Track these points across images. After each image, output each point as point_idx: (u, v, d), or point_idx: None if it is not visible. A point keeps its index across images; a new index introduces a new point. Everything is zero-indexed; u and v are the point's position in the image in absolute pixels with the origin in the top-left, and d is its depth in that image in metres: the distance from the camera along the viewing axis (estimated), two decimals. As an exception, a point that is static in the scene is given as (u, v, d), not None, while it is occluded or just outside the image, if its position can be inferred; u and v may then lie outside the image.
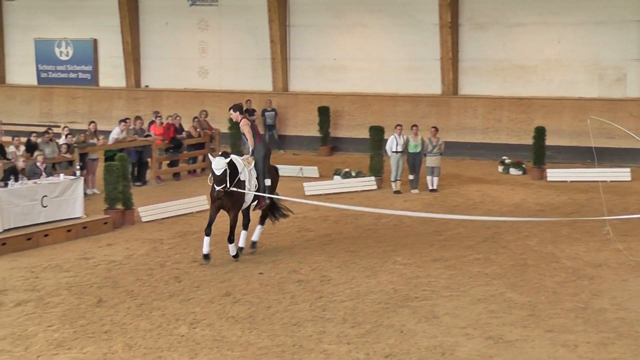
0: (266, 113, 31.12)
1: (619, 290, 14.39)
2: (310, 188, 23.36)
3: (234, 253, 16.22)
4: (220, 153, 15.87)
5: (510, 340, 12.01)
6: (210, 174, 15.72)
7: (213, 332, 12.38)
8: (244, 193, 15.93)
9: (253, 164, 16.37)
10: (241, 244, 16.76)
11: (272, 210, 17.22)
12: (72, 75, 36.05)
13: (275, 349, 11.67)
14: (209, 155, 16.07)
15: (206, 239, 15.86)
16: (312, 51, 32.36)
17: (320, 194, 23.12)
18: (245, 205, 16.31)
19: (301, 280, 15.05)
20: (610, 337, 12.12)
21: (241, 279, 15.15)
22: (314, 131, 31.26)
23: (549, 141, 25.73)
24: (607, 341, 11.95)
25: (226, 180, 15.50)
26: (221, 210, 16.14)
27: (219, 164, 15.39)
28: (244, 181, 15.95)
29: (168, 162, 26.06)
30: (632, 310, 13.32)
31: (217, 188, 15.39)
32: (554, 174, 25.21)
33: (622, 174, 24.28)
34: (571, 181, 24.76)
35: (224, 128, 27.62)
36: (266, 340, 12.04)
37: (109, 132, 24.76)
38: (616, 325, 12.63)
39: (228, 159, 15.49)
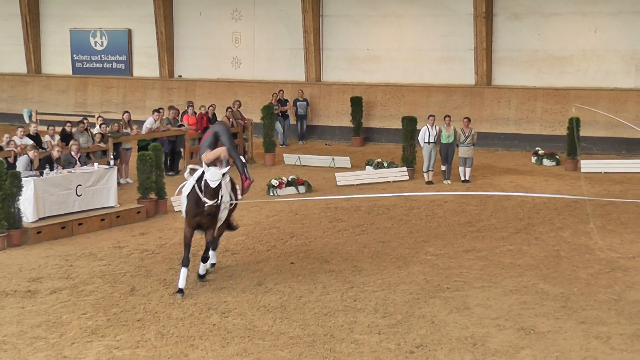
0: (298, 103, 31.15)
1: (653, 282, 14.26)
2: (342, 178, 23.36)
3: (203, 272, 14.35)
4: (190, 167, 14.48)
5: (542, 331, 11.95)
6: (187, 185, 14.12)
7: (244, 321, 12.44)
8: (220, 210, 13.98)
9: (228, 178, 14.24)
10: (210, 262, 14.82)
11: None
12: (107, 65, 36.30)
13: (306, 339, 11.70)
14: (189, 167, 14.54)
15: (184, 271, 13.75)
16: (345, 41, 32.33)
17: (352, 184, 23.14)
18: (219, 223, 14.41)
19: (333, 271, 15.07)
20: (643, 329, 12.04)
21: (273, 269, 15.20)
22: (346, 121, 31.26)
23: (584, 132, 25.53)
24: (641, 333, 11.88)
25: (219, 194, 13.68)
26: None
27: (215, 175, 13.48)
28: (223, 196, 13.93)
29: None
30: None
31: (209, 203, 13.43)
32: (588, 165, 25.02)
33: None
34: (605, 172, 24.57)
35: (257, 118, 27.68)
36: (297, 329, 12.07)
37: (143, 122, 24.93)
38: (650, 317, 12.55)
39: (224, 170, 13.70)
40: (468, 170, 23.51)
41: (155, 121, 24.46)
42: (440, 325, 12.23)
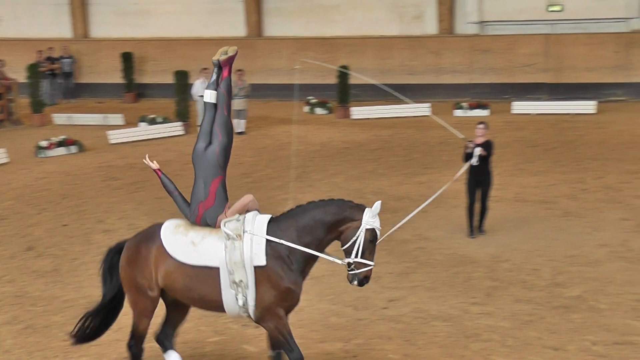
0: (63, 60, 30.04)
1: (419, 220, 14.85)
2: (115, 136, 22.84)
3: None
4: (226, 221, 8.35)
5: (317, 276, 12.18)
6: (257, 250, 8.20)
7: (14, 288, 11.96)
8: None
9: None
10: None
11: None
12: None
13: (81, 301, 11.39)
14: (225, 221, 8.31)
15: None
16: (112, -5, 31.50)
17: (126, 142, 22.68)
18: None
19: (108, 230, 14.75)
20: (411, 266, 12.57)
21: (44, 232, 14.69)
22: (118, 78, 30.53)
23: (353, 80, 26.14)
24: (409, 270, 12.39)
25: None
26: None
27: (377, 220, 8.33)
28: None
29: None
30: (432, 239, 13.86)
31: (371, 265, 8.27)
32: (358, 112, 25.76)
33: (423, 109, 24.98)
34: (376, 118, 25.39)
35: (22, 78, 26.48)
36: (71, 292, 11.74)
37: None
38: (417, 254, 13.11)
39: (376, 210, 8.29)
40: (243, 122, 23.60)
41: None
42: (217, 277, 12.24)
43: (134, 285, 8.46)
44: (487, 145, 13.63)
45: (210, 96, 9.00)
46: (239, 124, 23.50)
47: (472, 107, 25.85)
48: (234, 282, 8.12)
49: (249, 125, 24.01)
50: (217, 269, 8.17)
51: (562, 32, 28.56)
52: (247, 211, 8.47)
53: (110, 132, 23.02)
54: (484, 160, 13.54)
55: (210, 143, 8.67)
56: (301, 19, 30.14)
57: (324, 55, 29.31)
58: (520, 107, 26.09)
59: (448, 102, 26.70)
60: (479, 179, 13.60)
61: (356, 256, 8.17)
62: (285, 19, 30.27)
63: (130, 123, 24.93)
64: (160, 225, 8.57)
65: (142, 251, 8.44)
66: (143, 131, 23.60)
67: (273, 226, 8.31)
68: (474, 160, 13.39)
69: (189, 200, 8.72)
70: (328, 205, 8.36)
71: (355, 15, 29.82)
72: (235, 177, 18.67)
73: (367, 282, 8.29)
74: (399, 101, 24.96)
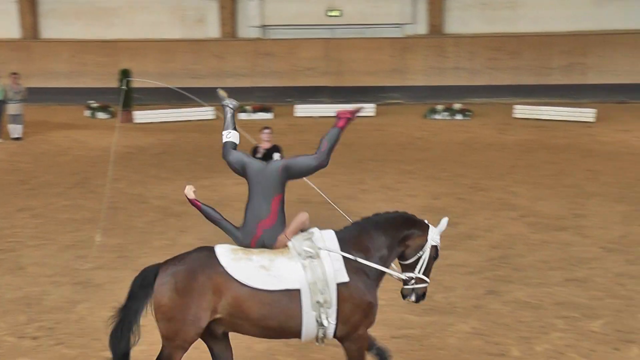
0: None
1: (204, 225, 14.83)
2: None
3: None
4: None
5: (99, 283, 11.95)
6: (337, 266, 7.79)
7: None
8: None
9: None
10: None
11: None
12: None
13: None
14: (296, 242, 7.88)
15: None
16: None
17: None
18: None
19: None
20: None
21: None
22: None
23: (136, 84, 25.73)
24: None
25: None
26: None
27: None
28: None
29: None
30: (215, 243, 13.81)
31: (426, 283, 8.15)
32: (141, 116, 25.41)
33: (206, 112, 24.96)
34: (159, 122, 25.14)
35: None
36: None
37: None
38: (202, 258, 13.04)
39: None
40: (19, 127, 22.78)
41: None
42: (-8, 289, 11.75)
43: (180, 316, 7.46)
44: (276, 150, 13.79)
45: (233, 137, 8.64)
46: (15, 129, 22.65)
47: (255, 110, 26.10)
48: (317, 302, 7.61)
49: (27, 131, 23.17)
50: (298, 291, 7.60)
51: (341, 37, 29.36)
52: (303, 230, 8.10)
53: None
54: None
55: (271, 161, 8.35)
56: (80, 21, 29.39)
57: (105, 59, 28.79)
58: (302, 110, 26.62)
59: (232, 106, 26.82)
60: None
61: (419, 272, 8.00)
62: (62, 21, 29.42)
63: None
64: (208, 250, 7.81)
65: (198, 278, 7.46)
66: None
67: (343, 241, 7.99)
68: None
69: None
70: (397, 219, 8.19)
71: (136, 18, 29.42)
72: (12, 184, 18.01)
73: (424, 299, 8.15)
74: (182, 105, 24.87)
